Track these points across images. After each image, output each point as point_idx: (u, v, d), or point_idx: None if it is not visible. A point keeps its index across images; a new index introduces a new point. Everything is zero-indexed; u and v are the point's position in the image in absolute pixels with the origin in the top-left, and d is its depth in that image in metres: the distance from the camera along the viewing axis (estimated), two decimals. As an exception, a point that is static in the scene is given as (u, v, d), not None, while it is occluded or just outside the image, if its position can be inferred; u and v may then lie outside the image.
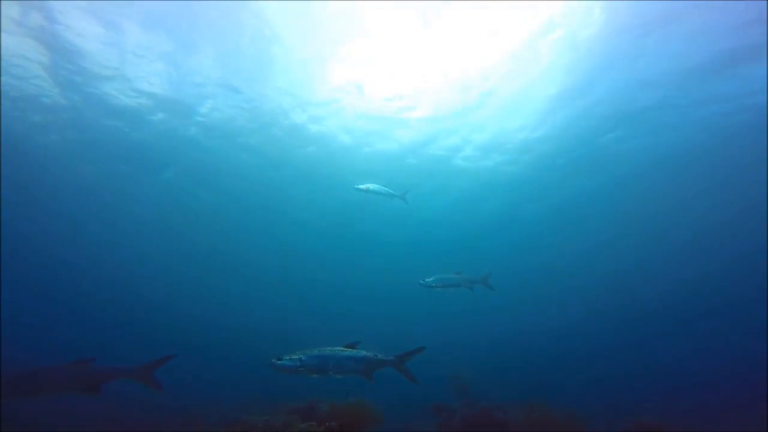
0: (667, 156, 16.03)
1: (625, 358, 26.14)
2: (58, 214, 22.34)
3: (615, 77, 11.74)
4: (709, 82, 11.61)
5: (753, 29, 9.40)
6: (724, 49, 10.21)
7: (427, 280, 6.82)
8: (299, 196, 20.51)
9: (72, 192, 19.83)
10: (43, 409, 9.48)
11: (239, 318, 34.28)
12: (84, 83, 12.22)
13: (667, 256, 25.95)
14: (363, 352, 4.07)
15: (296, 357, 3.80)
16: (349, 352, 4.01)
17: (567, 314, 33.62)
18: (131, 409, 11.62)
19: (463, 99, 12.80)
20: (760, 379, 15.25)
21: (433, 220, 22.86)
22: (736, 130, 13.89)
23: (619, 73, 11.56)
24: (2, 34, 9.64)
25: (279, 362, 3.75)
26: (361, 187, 8.61)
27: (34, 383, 3.74)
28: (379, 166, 16.90)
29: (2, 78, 11.38)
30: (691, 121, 13.79)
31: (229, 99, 13.22)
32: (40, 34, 10.05)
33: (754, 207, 19.02)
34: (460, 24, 10.01)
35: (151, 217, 22.43)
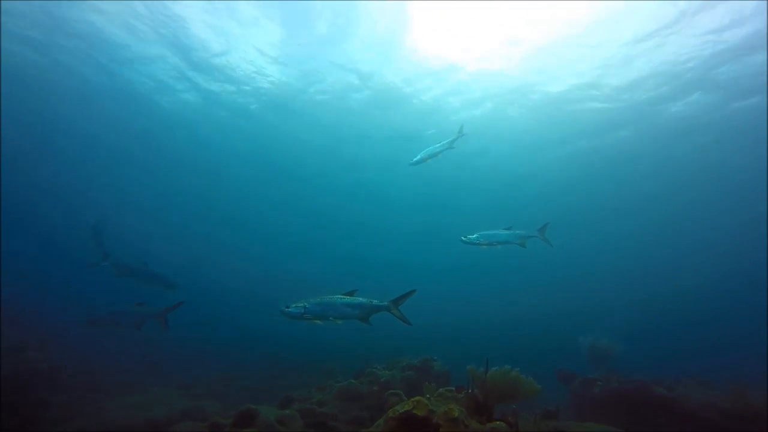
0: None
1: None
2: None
3: None
4: None
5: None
6: None
7: (470, 236, 5.63)
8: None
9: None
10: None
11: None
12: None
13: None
14: (359, 299, 4.21)
15: (301, 305, 4.03)
16: (347, 299, 4.19)
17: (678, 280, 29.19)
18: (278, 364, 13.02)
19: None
20: None
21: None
22: None
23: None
24: None
25: (287, 310, 4.01)
26: (415, 159, 7.61)
27: (112, 321, 5.36)
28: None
29: None
30: None
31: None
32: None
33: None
34: None
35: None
